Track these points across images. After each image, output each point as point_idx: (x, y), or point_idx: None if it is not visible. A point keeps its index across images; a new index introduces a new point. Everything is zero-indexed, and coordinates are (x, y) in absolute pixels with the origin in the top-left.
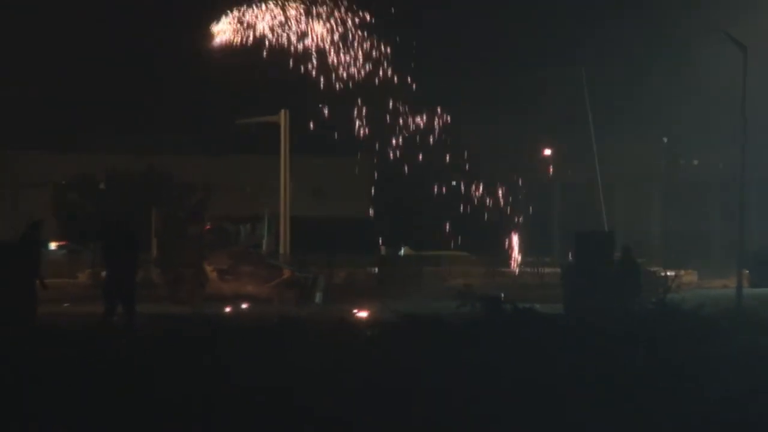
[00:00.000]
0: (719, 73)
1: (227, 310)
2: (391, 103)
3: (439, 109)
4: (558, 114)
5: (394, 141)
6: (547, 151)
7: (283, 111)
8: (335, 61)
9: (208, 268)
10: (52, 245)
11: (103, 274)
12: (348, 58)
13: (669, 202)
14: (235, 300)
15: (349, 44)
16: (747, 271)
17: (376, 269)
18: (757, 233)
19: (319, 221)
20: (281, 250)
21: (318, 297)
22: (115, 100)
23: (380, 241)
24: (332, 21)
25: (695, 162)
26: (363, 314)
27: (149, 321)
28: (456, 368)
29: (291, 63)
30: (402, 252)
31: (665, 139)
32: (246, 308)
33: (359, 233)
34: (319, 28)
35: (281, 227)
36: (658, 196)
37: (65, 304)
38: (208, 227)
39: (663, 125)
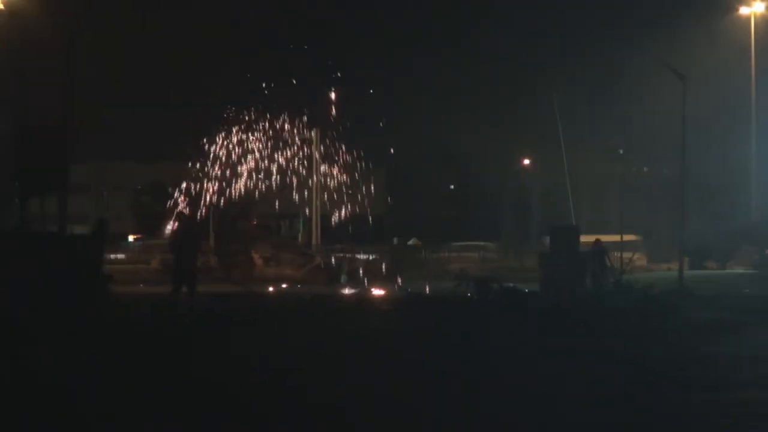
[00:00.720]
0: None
1: (270, 289)
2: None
3: None
4: (535, 129)
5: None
6: (526, 161)
7: (315, 129)
8: None
9: (255, 256)
10: (131, 238)
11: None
12: None
13: (624, 201)
14: (276, 281)
15: None
16: (686, 258)
17: (391, 256)
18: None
19: (344, 218)
20: (313, 241)
21: (343, 279)
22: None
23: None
24: None
25: (645, 169)
26: (379, 292)
27: (209, 299)
28: (452, 332)
29: None
30: (411, 242)
31: (621, 151)
32: (285, 287)
33: (377, 227)
34: None
35: (313, 223)
36: (615, 196)
37: (140, 285)
38: (255, 223)
39: (619, 138)
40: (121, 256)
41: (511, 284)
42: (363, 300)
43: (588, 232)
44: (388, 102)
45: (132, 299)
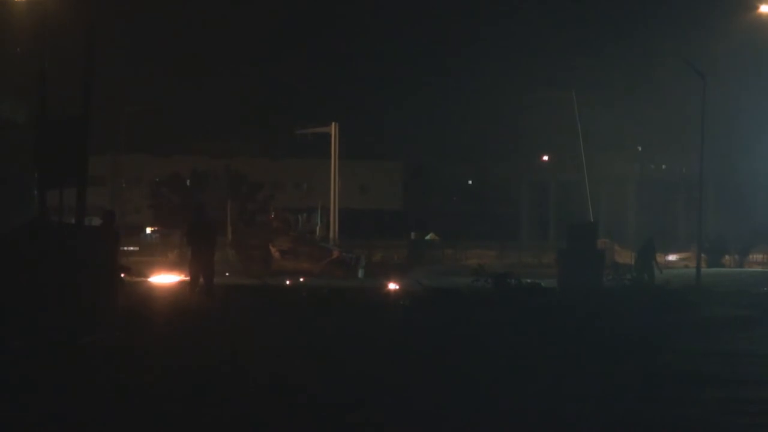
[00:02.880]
0: (686, 93)
1: (288, 282)
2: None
3: None
4: (554, 127)
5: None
6: (545, 157)
7: (333, 123)
8: None
9: (273, 249)
10: (148, 230)
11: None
12: None
13: (642, 199)
14: (294, 274)
15: None
16: (704, 255)
17: (408, 251)
18: (711, 223)
19: (361, 212)
20: (331, 235)
21: (360, 273)
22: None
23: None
24: None
25: (663, 167)
26: (396, 286)
27: (226, 290)
28: (469, 326)
29: None
30: (428, 237)
31: (639, 148)
32: (303, 281)
33: (394, 222)
34: None
35: (331, 217)
36: (633, 194)
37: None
38: (272, 216)
39: (638, 136)
40: (134, 248)
41: (529, 280)
42: (380, 294)
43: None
44: (408, 97)
45: (146, 292)
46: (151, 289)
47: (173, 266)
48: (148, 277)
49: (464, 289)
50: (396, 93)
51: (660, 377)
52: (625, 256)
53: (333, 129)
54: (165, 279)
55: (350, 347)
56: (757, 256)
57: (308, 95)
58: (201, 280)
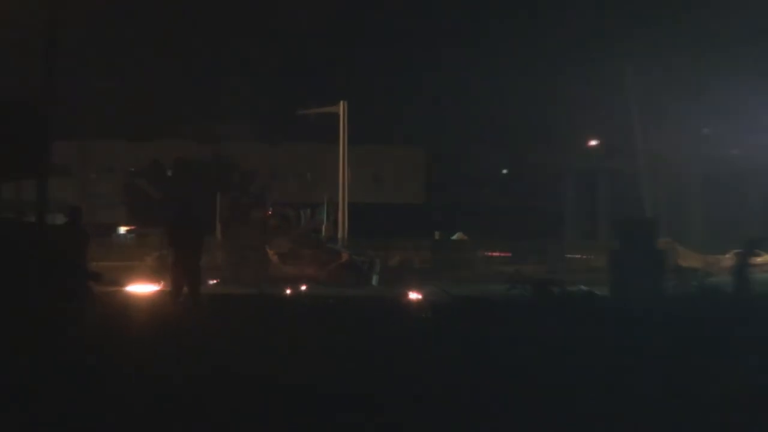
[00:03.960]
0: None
1: (288, 291)
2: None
3: None
4: (604, 106)
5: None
6: (593, 142)
7: (341, 102)
8: None
9: (270, 252)
10: (122, 230)
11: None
12: None
13: (709, 190)
14: (295, 281)
15: None
16: None
17: (432, 253)
18: None
19: (375, 207)
20: (340, 235)
21: (374, 279)
22: (182, 89)
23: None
24: None
25: (735, 152)
26: (417, 296)
27: (213, 301)
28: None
29: None
30: (456, 237)
31: (706, 130)
32: (305, 290)
33: (414, 219)
34: None
35: (340, 213)
36: (698, 184)
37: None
38: (270, 213)
39: (704, 116)
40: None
41: (583, 287)
42: (398, 305)
43: None
44: (430, 71)
45: (119, 301)
46: (127, 299)
47: (152, 273)
48: (123, 285)
49: (499, 299)
50: (416, 66)
51: (745, 397)
52: (691, 259)
53: (341, 108)
54: (142, 288)
55: (352, 379)
56: None
57: (313, 69)
58: (185, 288)
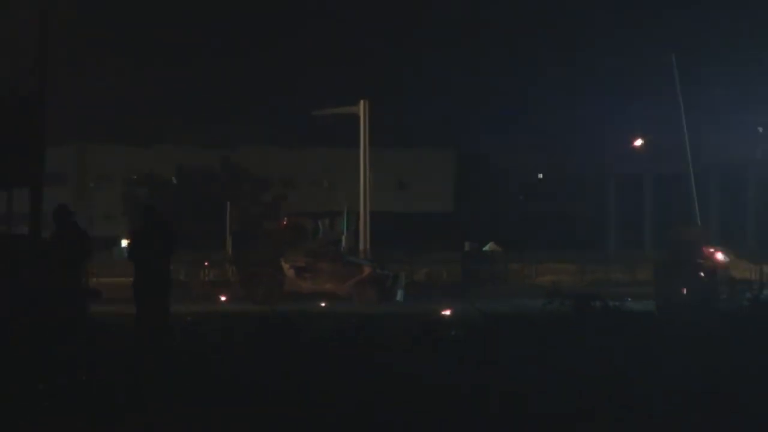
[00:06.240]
0: None
1: (305, 309)
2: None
3: None
4: (648, 102)
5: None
6: (638, 142)
7: (362, 101)
8: None
9: (285, 266)
10: (124, 243)
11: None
12: None
13: (764, 194)
14: (313, 298)
15: None
16: None
17: (462, 266)
18: None
19: (400, 216)
20: (361, 247)
21: (399, 295)
22: (190, 91)
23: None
24: None
25: None
26: (446, 312)
27: (221, 320)
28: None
29: None
30: (488, 248)
31: (761, 129)
32: (324, 306)
33: (442, 228)
34: None
35: (361, 223)
36: (754, 188)
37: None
38: (284, 223)
39: (759, 113)
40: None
41: (628, 299)
42: (424, 323)
43: None
44: (458, 68)
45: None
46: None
47: None
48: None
49: (535, 316)
50: (444, 63)
51: None
52: (744, 270)
53: (362, 108)
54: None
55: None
56: None
57: (332, 67)
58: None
